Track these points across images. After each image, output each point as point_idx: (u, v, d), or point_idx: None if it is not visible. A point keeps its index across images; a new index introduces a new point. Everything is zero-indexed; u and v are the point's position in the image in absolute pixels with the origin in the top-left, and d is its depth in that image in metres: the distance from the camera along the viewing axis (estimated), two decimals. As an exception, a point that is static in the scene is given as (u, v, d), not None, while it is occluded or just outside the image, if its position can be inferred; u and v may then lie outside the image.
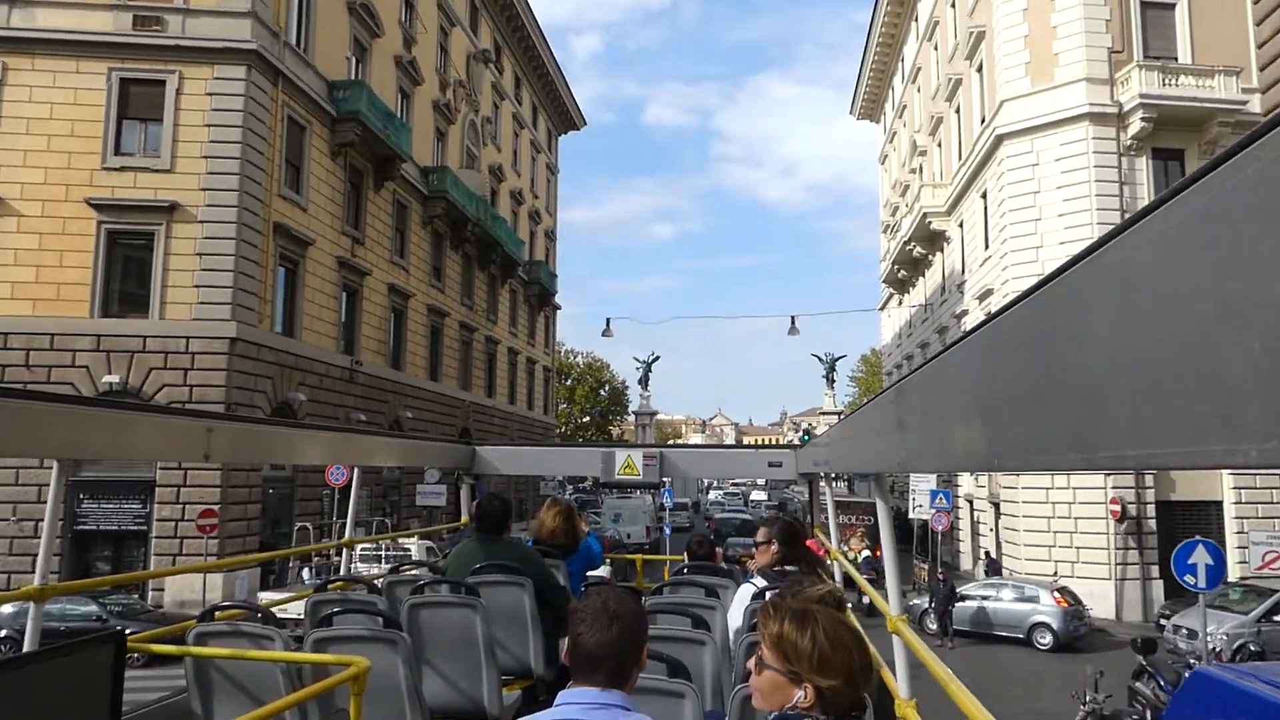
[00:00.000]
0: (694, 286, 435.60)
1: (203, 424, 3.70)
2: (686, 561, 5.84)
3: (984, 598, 21.30)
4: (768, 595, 2.75)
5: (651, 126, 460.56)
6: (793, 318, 33.73)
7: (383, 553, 20.42)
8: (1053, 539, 23.21)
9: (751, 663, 1.98)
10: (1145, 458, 0.74)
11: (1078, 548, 22.92)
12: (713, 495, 72.23)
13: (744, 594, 4.26)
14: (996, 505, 26.23)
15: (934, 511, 24.91)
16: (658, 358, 54.27)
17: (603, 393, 76.58)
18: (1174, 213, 0.68)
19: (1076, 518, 22.97)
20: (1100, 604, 21.89)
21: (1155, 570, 22.52)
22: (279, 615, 4.28)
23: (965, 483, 29.49)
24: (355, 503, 6.21)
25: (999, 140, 25.44)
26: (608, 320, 35.57)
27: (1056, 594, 20.21)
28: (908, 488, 34.31)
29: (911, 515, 27.22)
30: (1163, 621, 19.69)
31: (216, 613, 4.11)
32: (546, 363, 51.28)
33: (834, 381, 54.21)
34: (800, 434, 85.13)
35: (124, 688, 2.92)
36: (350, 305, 26.96)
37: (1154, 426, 0.72)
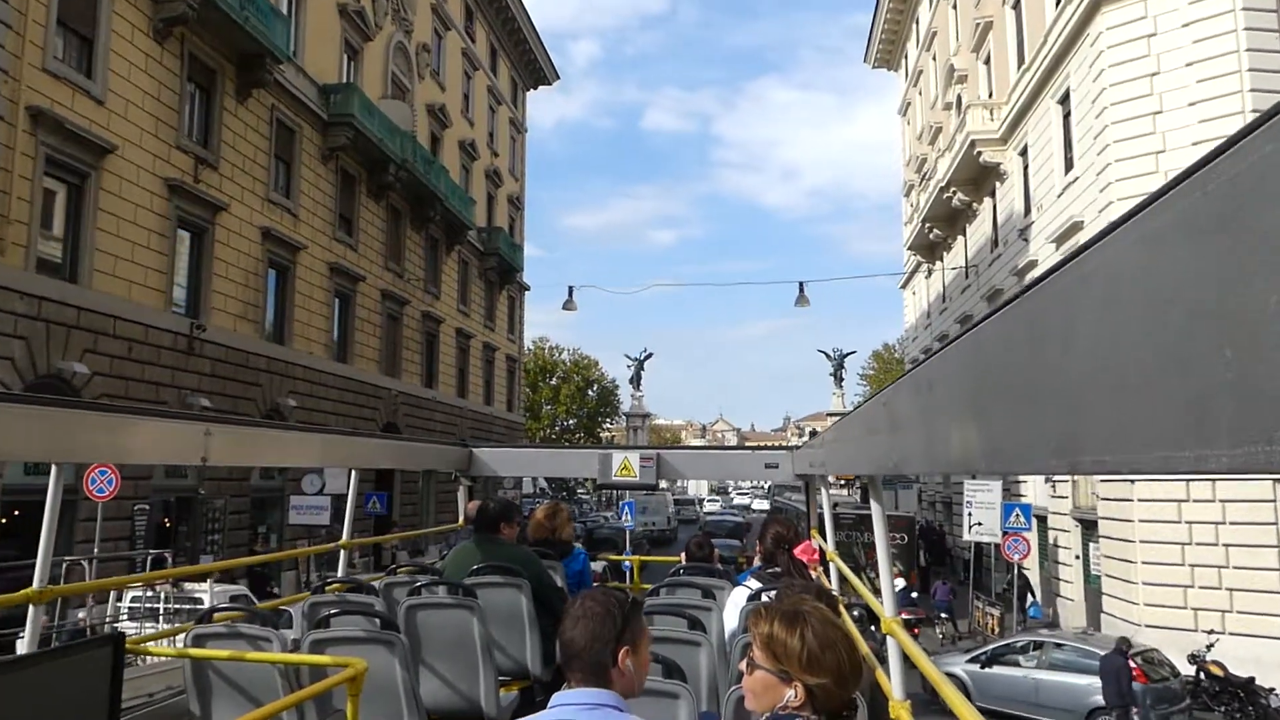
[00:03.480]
0: (695, 291, 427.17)
1: (200, 427, 3.71)
2: (684, 562, 5.61)
3: (1022, 660, 14.37)
4: (762, 596, 3.35)
5: (651, 132, 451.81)
6: (800, 284, 27.41)
7: (160, 606, 13.04)
8: (1190, 576, 15.64)
9: (743, 663, 2.00)
10: (1125, 463, 0.74)
11: (1230, 590, 15.40)
12: (710, 505, 67.16)
13: (738, 595, 4.19)
14: (1088, 524, 18.64)
15: (1007, 535, 17.45)
16: (650, 354, 48.07)
17: (591, 393, 69.37)
18: (1153, 219, 0.68)
19: (1227, 545, 15.46)
20: (1273, 675, 14.42)
21: (1353, 624, 15.06)
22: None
23: (1031, 491, 21.94)
24: (352, 507, 5.99)
25: (1094, 8, 18.03)
26: (570, 289, 28.85)
27: (1133, 661, 13.02)
28: (951, 499, 26.87)
29: (967, 537, 19.73)
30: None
31: (214, 614, 4.11)
32: (512, 351, 43.73)
33: (843, 380, 48.80)
34: (805, 438, 78.41)
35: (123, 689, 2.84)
36: (195, 250, 19.61)
37: (1133, 432, 0.72)
